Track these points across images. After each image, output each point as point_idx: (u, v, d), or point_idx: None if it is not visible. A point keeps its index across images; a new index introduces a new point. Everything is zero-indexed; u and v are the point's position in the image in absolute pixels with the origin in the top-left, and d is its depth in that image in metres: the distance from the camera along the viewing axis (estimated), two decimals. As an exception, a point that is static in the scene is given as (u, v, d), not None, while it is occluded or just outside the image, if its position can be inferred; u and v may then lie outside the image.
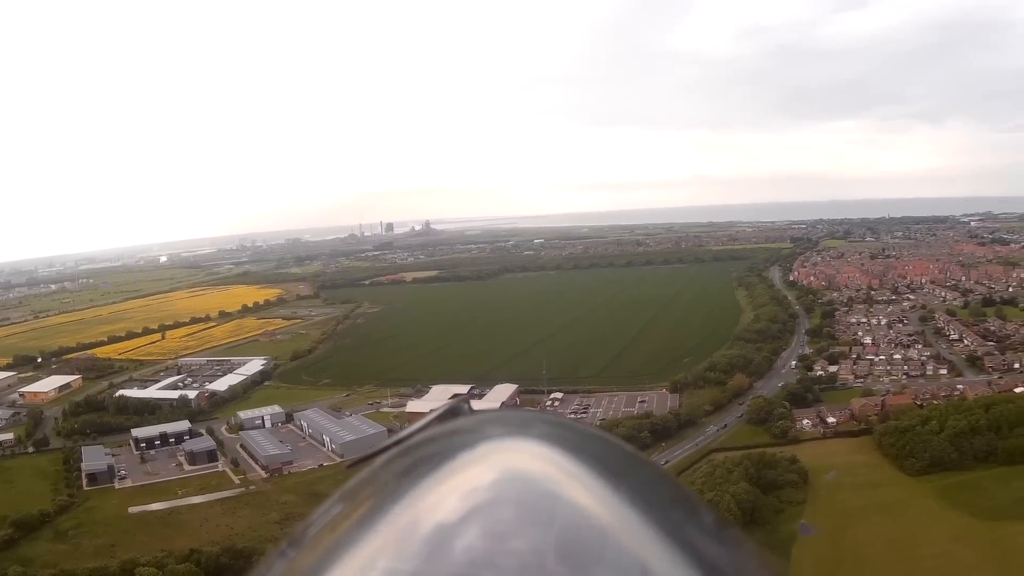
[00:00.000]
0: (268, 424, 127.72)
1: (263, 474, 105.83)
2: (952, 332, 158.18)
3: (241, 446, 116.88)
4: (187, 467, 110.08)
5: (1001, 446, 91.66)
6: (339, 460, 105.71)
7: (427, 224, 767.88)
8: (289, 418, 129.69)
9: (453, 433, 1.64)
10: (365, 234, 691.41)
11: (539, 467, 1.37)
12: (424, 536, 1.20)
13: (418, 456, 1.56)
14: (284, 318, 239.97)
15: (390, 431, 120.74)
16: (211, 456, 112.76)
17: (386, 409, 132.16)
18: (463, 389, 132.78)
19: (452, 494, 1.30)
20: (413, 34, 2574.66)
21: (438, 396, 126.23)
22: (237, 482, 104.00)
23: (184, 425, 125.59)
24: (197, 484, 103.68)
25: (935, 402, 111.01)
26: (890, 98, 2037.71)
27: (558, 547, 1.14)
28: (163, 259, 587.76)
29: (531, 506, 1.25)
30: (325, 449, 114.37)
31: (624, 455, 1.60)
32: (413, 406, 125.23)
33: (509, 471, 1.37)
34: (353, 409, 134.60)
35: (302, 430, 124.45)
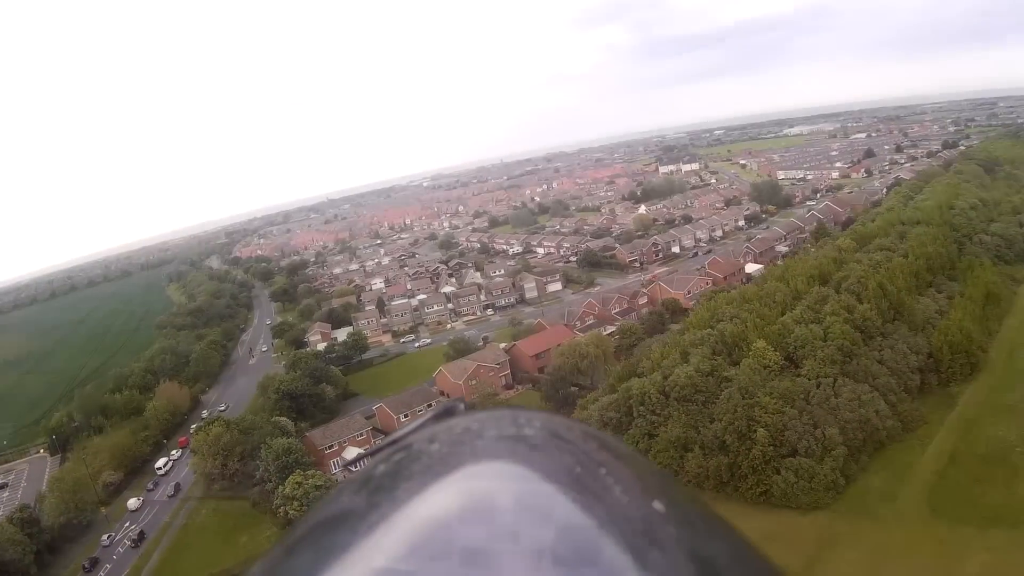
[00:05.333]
0: None
1: None
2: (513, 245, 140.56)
3: None
4: None
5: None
6: None
7: None
8: None
9: (449, 433, 1.59)
10: None
11: (537, 468, 1.34)
12: (420, 536, 1.18)
13: (414, 455, 1.52)
14: None
15: None
16: None
17: None
18: None
19: (448, 494, 1.28)
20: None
21: None
22: None
23: None
24: None
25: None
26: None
27: (555, 548, 1.12)
28: None
29: (528, 507, 1.22)
30: None
31: (623, 454, 1.56)
32: None
33: (506, 472, 1.33)
34: None
35: None
